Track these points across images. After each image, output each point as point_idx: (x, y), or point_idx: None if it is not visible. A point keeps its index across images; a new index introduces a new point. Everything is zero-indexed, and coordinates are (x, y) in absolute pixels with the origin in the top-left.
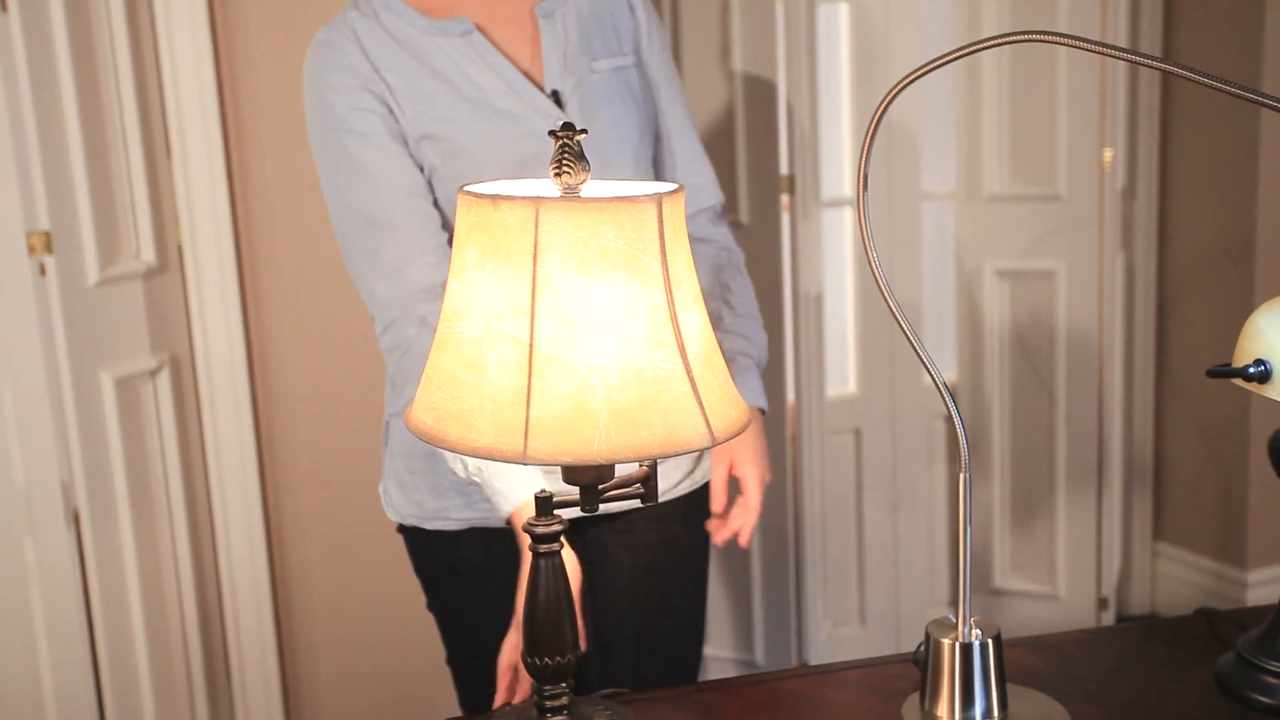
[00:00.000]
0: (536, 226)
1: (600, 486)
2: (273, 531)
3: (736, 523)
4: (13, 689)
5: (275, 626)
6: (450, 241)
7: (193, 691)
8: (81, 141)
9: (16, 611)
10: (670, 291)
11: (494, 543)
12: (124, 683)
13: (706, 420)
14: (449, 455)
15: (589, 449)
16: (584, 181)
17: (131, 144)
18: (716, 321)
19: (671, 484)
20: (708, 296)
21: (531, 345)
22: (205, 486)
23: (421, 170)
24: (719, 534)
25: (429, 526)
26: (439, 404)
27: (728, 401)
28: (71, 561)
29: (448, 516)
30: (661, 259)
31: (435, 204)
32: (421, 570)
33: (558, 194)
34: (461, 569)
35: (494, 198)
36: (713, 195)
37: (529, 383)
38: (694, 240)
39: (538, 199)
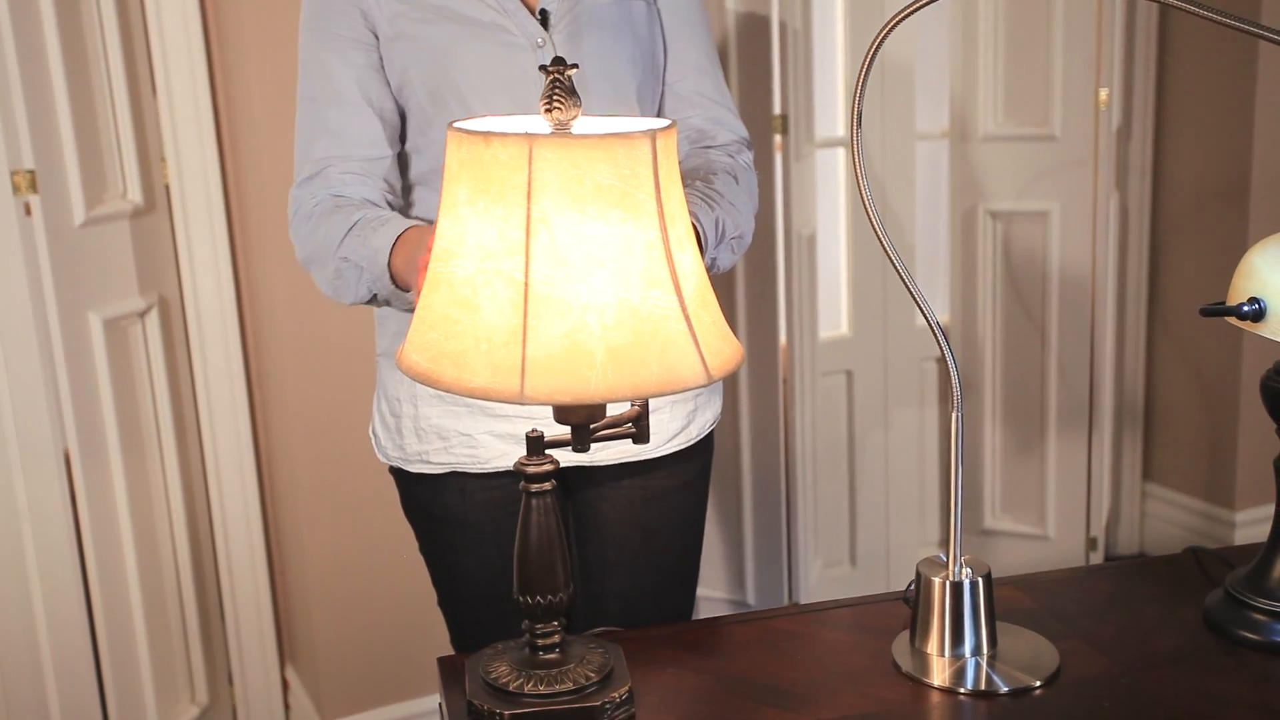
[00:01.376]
0: (530, 164)
1: (591, 426)
2: (264, 471)
3: None
4: (7, 628)
5: (268, 565)
6: (398, 161)
7: (186, 629)
8: (65, 79)
9: (9, 552)
10: (665, 229)
11: (474, 488)
12: (117, 620)
13: (703, 358)
14: (347, 290)
15: (586, 388)
16: (575, 118)
17: (116, 82)
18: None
19: (666, 438)
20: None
21: (526, 284)
22: (196, 427)
23: (390, 86)
24: None
25: (411, 469)
26: (433, 344)
27: (722, 339)
28: (63, 502)
29: (428, 459)
30: (656, 196)
31: (402, 117)
32: (407, 513)
33: (548, 130)
34: (441, 513)
35: (486, 134)
36: (733, 131)
37: (524, 322)
38: (712, 151)
39: (530, 136)
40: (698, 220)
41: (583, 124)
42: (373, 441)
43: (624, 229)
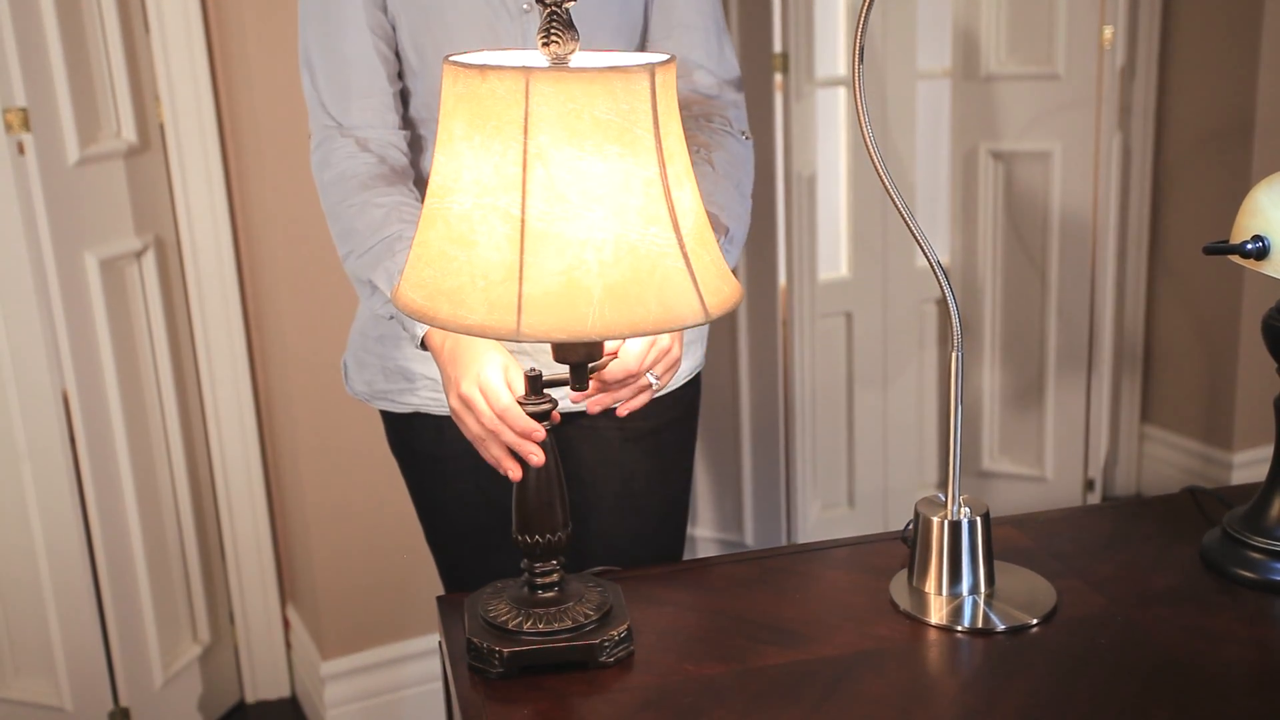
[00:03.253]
0: (527, 98)
1: (590, 365)
2: (263, 411)
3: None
4: (9, 569)
5: (268, 505)
6: (400, 95)
7: (187, 568)
8: (56, 15)
9: (10, 492)
10: (663, 165)
11: (447, 427)
12: (119, 560)
13: (700, 296)
14: (360, 288)
15: (583, 325)
16: (573, 52)
17: (108, 18)
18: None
19: None
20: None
21: (523, 220)
22: (194, 367)
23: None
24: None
25: (377, 406)
26: (429, 281)
27: (720, 277)
28: (62, 443)
29: (393, 399)
30: (654, 131)
31: (396, 54)
32: (391, 448)
33: (545, 64)
34: (420, 449)
35: (482, 68)
36: (715, 74)
37: (521, 258)
38: (706, 102)
39: (527, 69)
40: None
41: (580, 59)
42: (343, 373)
43: (622, 165)
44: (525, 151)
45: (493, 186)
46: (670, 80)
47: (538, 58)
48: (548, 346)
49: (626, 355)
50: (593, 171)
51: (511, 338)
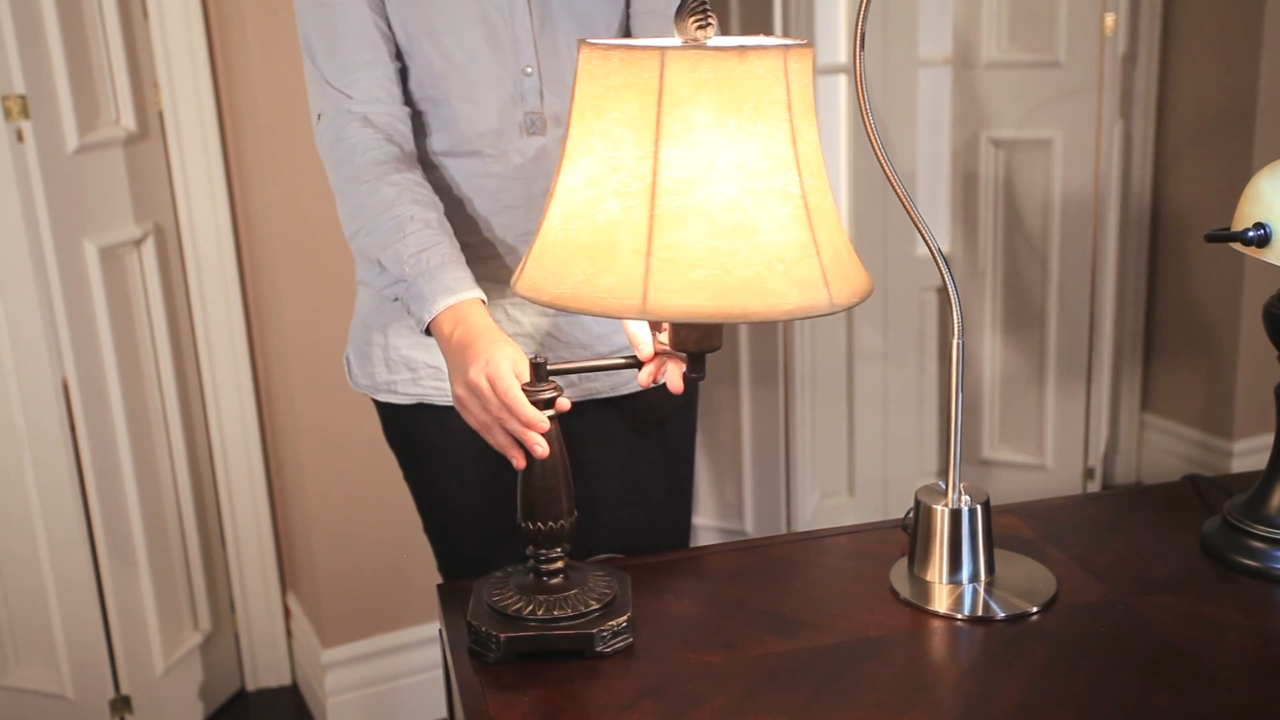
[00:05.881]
0: (787, 76)
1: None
2: (263, 399)
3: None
4: (10, 556)
5: (268, 493)
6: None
7: (188, 556)
8: (55, 1)
9: (10, 479)
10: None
11: (450, 417)
12: (119, 548)
13: (859, 264)
14: (367, 267)
15: (854, 288)
16: (711, 35)
17: (107, 5)
18: None
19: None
20: None
21: (805, 198)
22: (194, 355)
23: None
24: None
25: (381, 398)
26: (710, 281)
27: None
28: (62, 430)
29: (396, 390)
30: (814, 106)
31: (391, 32)
32: (388, 440)
33: (680, 45)
34: (420, 441)
35: (739, 49)
36: None
37: (813, 234)
38: None
39: (784, 47)
40: None
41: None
42: (345, 368)
43: (813, 138)
44: (792, 130)
45: (763, 169)
46: None
47: (659, 42)
48: (547, 338)
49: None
50: (815, 144)
51: (829, 311)
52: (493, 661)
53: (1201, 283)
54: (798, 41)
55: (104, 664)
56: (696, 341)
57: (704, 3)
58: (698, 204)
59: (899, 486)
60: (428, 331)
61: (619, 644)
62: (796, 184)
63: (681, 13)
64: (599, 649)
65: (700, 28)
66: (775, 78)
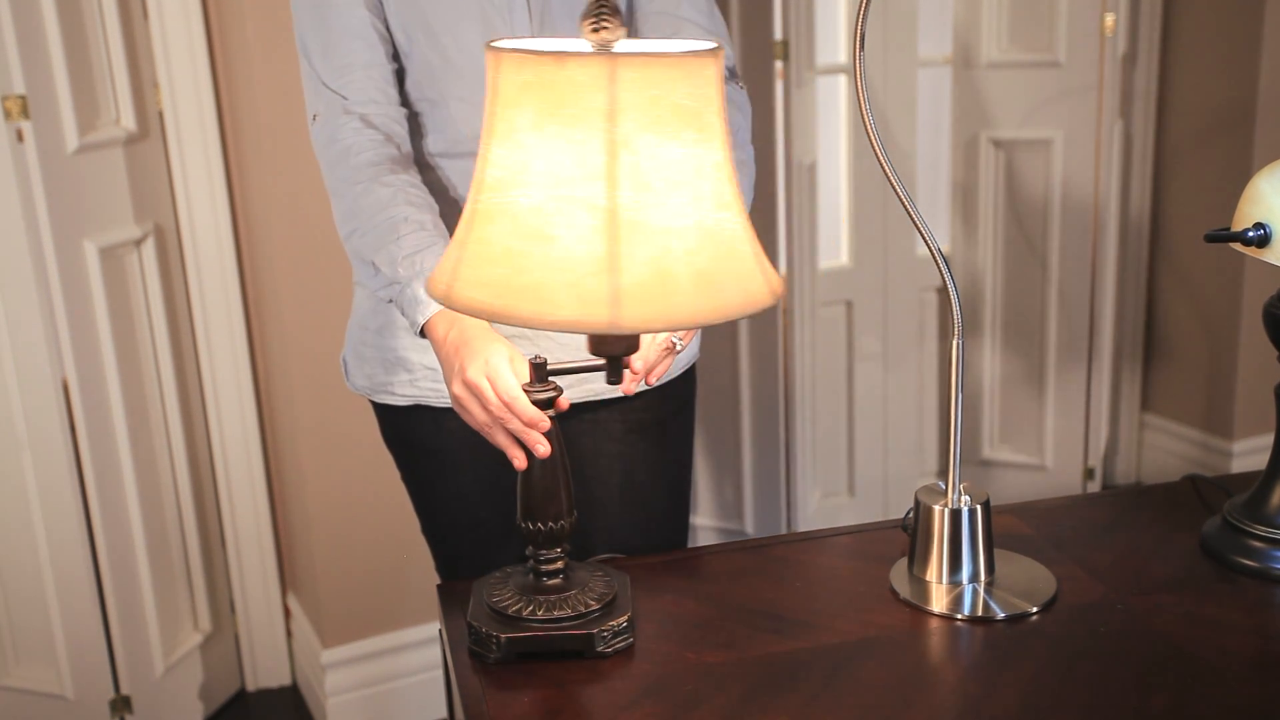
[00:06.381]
0: (612, 84)
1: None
2: (263, 399)
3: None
4: (10, 556)
5: (268, 493)
6: (397, 75)
7: (188, 557)
8: (55, 1)
9: (10, 480)
10: (727, 149)
11: (447, 418)
12: (119, 549)
13: (766, 278)
14: (361, 269)
15: (678, 314)
16: (620, 38)
17: (107, 5)
18: None
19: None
20: None
21: (613, 210)
22: (194, 355)
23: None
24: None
25: (378, 400)
26: (499, 279)
27: (764, 260)
28: (62, 430)
29: (393, 391)
30: (721, 115)
31: (389, 32)
32: (385, 442)
33: (590, 50)
34: (417, 442)
35: (558, 55)
36: (717, 26)
37: (618, 249)
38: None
39: (611, 55)
40: None
41: (621, 45)
42: (343, 369)
43: (696, 150)
44: (613, 140)
45: (571, 177)
46: (722, 65)
47: (539, 43)
48: (543, 338)
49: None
50: (672, 158)
51: (607, 330)
52: (493, 662)
53: (1201, 283)
54: (700, 47)
55: (104, 664)
56: (595, 345)
57: (603, 5)
58: (507, 203)
59: (899, 486)
60: (422, 333)
61: (620, 644)
62: (604, 196)
63: (584, 13)
64: (600, 649)
65: (594, 30)
66: (597, 86)
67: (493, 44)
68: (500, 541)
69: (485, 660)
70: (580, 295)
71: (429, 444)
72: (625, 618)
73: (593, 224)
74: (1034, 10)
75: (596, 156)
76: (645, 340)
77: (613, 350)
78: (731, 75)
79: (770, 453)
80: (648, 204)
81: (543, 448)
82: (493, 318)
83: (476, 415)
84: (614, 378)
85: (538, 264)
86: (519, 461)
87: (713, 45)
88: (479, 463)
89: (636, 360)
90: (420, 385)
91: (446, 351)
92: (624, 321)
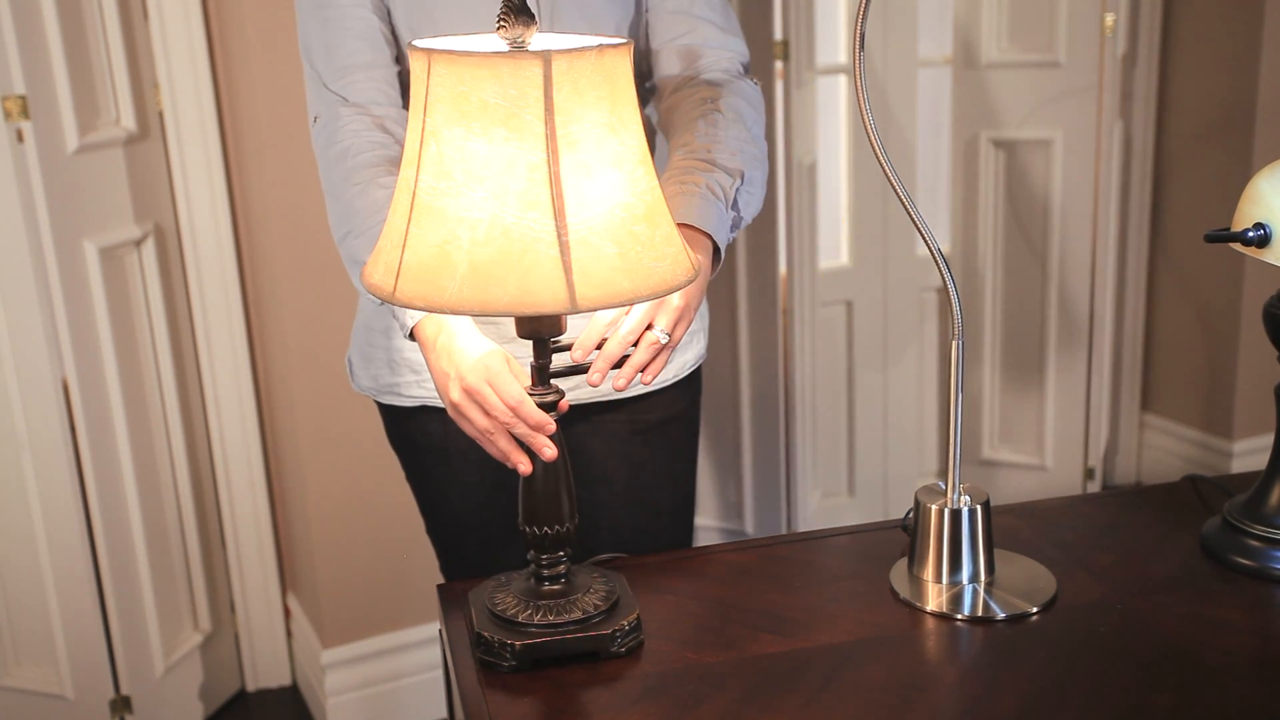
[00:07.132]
0: (428, 78)
1: (552, 339)
2: (263, 400)
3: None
4: (10, 557)
5: (268, 493)
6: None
7: (188, 557)
8: (55, 1)
9: (10, 480)
10: (554, 153)
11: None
12: (119, 549)
13: (570, 286)
14: (354, 271)
15: (441, 298)
16: (527, 36)
17: (107, 5)
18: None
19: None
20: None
21: (414, 194)
22: (194, 356)
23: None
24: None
25: (384, 400)
26: (381, 252)
27: (621, 273)
28: (62, 430)
29: (400, 392)
30: (547, 119)
31: (394, 35)
32: (391, 442)
33: (505, 48)
34: (424, 443)
35: (410, 48)
36: (725, 48)
37: (407, 229)
38: (714, 53)
39: (431, 51)
40: (705, 218)
41: (543, 41)
42: (348, 370)
43: (507, 148)
44: (423, 129)
45: (407, 159)
46: (585, 68)
47: (456, 42)
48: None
49: (598, 321)
50: (478, 152)
51: (390, 300)
52: (507, 670)
53: (1201, 282)
54: (595, 44)
55: (104, 664)
56: (538, 327)
57: (508, 4)
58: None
59: (899, 486)
60: (411, 336)
61: (632, 642)
62: (413, 181)
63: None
64: (614, 649)
65: (498, 27)
66: (419, 79)
67: (411, 43)
68: (505, 541)
69: (499, 669)
70: (386, 265)
71: (435, 445)
72: (634, 616)
73: (404, 204)
74: (1034, 10)
75: (414, 143)
76: (597, 325)
77: (535, 331)
78: (745, 71)
79: (770, 453)
80: (444, 192)
81: (550, 451)
82: (363, 282)
83: (477, 421)
84: (541, 358)
85: (385, 234)
86: (524, 466)
87: (594, 43)
88: (484, 464)
89: (611, 344)
90: (427, 386)
91: (436, 355)
92: (399, 295)
